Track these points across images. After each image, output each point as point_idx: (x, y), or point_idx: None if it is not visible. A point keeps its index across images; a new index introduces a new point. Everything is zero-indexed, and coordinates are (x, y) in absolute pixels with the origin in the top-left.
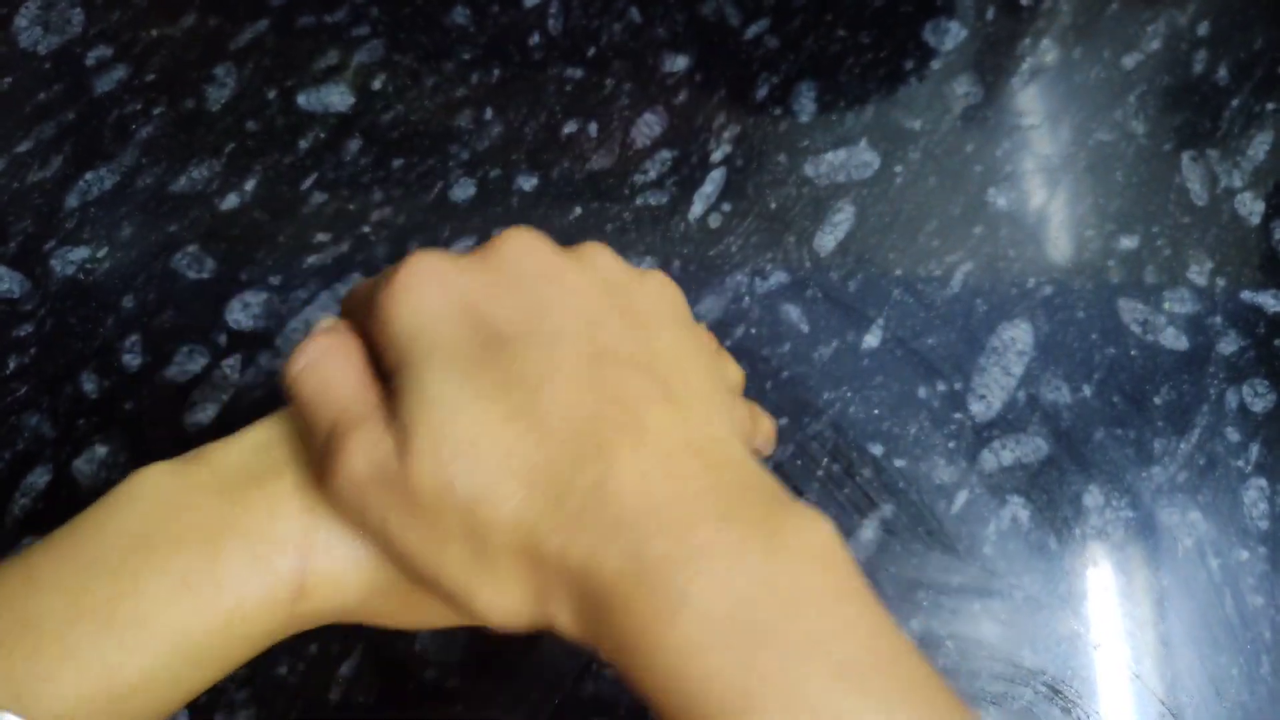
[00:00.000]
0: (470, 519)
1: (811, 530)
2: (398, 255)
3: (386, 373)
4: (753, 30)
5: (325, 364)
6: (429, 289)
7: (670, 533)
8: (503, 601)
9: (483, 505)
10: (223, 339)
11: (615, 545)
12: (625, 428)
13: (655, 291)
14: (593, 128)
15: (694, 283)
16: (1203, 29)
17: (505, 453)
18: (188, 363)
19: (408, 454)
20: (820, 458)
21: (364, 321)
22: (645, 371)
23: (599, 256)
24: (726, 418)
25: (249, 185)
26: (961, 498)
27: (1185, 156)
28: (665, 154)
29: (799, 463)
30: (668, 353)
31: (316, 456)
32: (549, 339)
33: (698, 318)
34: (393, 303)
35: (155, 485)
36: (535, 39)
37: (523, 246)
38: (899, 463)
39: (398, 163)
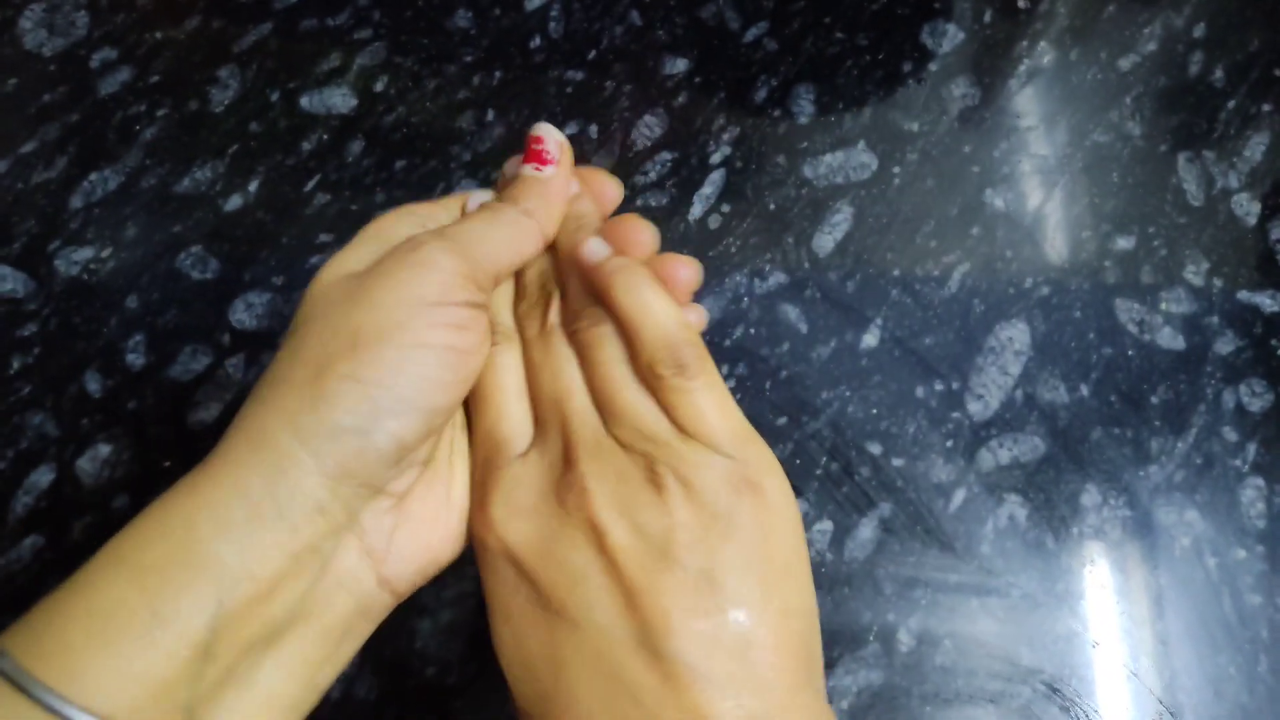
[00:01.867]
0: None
1: None
2: None
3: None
4: (752, 33)
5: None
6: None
7: None
8: None
9: None
10: (226, 339)
11: None
12: None
13: None
14: (593, 129)
15: None
16: (1199, 31)
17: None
18: (191, 362)
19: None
20: (819, 457)
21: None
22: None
23: None
24: None
25: (252, 186)
26: (959, 496)
27: (1181, 157)
28: (665, 155)
29: (798, 461)
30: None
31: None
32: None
33: None
34: None
35: None
36: (536, 42)
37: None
38: (897, 461)
39: (400, 164)
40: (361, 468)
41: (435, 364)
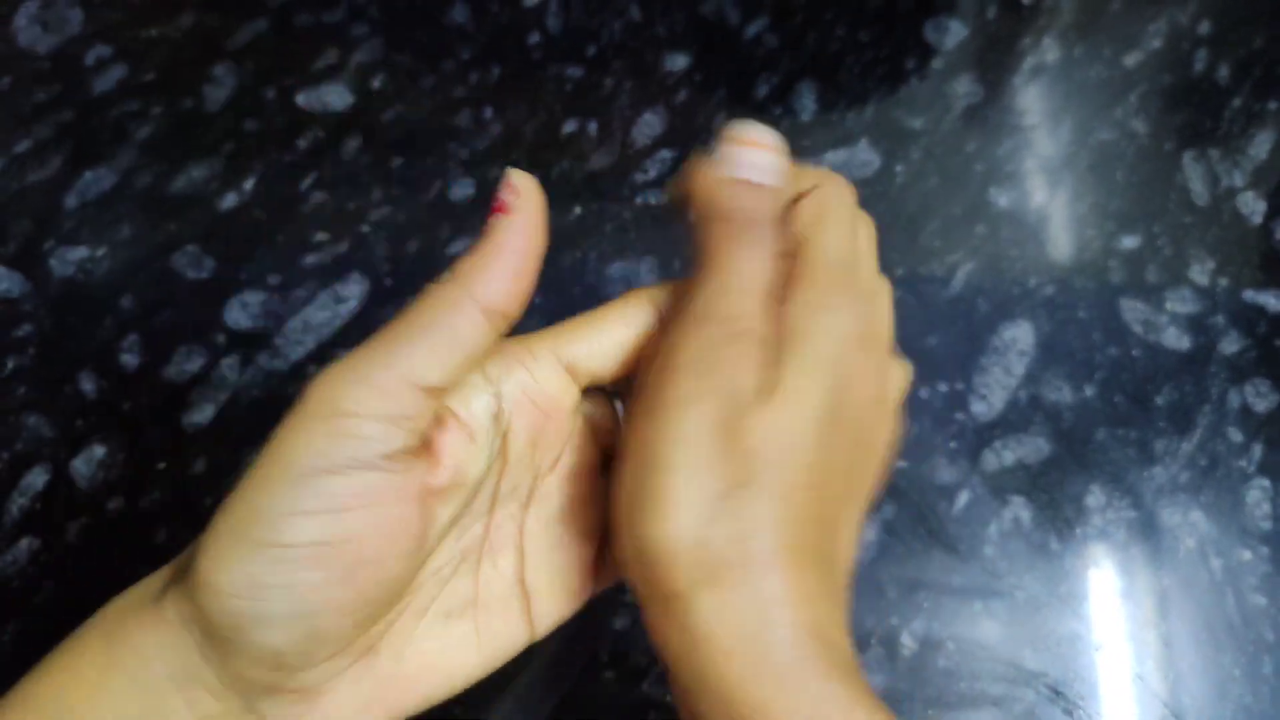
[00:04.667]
0: (743, 467)
1: None
2: (397, 254)
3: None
4: (753, 29)
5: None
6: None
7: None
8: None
9: (752, 469)
10: (221, 339)
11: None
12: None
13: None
14: (592, 127)
15: None
16: (1204, 28)
17: (808, 465)
18: (186, 362)
19: (769, 403)
20: None
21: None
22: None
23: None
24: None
25: (248, 185)
26: (963, 498)
27: (1186, 156)
28: (665, 153)
29: None
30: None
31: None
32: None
33: None
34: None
35: None
36: (535, 38)
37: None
38: (900, 463)
39: (397, 162)
40: (242, 669)
41: (306, 568)
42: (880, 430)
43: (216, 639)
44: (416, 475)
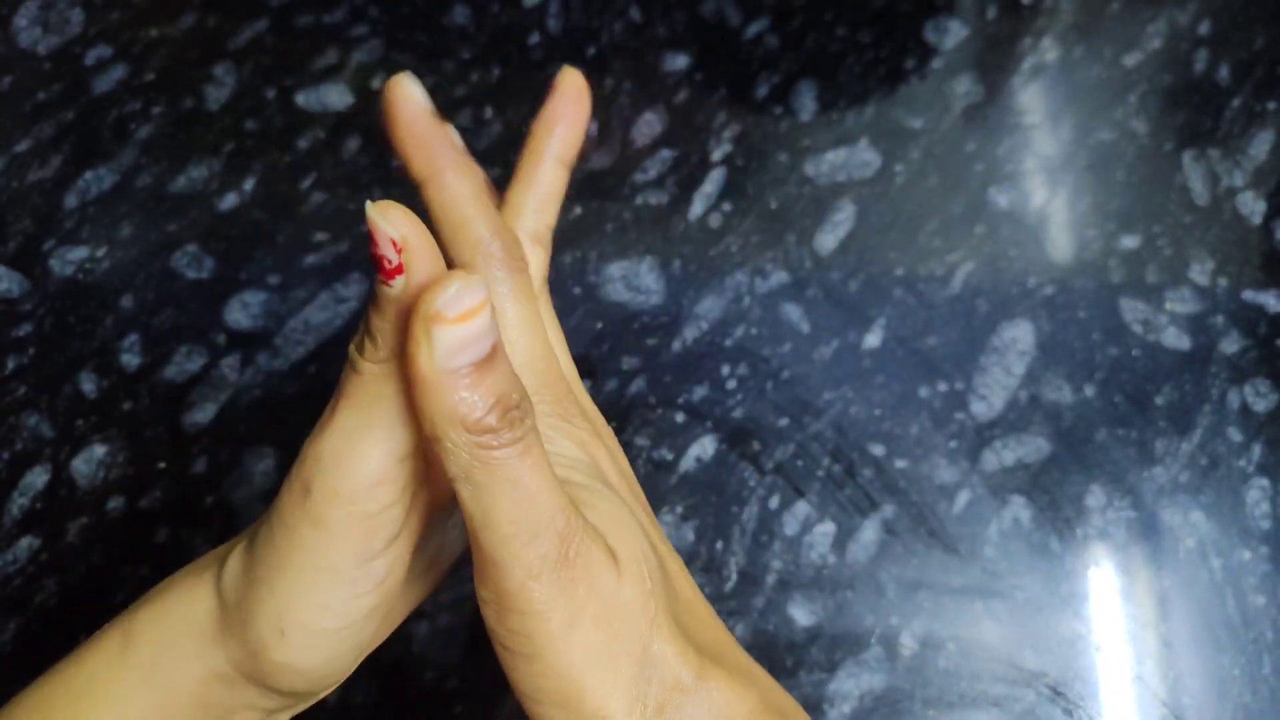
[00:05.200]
0: (645, 647)
1: None
2: None
3: None
4: (753, 29)
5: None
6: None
7: (763, 686)
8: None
9: (659, 640)
10: (221, 339)
11: None
12: (702, 598)
13: None
14: (593, 127)
15: (694, 282)
16: (1204, 28)
17: (668, 600)
18: (186, 362)
19: (622, 574)
20: (821, 458)
21: None
22: None
23: None
24: None
25: (248, 185)
26: (963, 498)
27: (1186, 155)
28: (665, 153)
29: (800, 463)
30: None
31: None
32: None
33: (698, 318)
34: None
35: None
36: (535, 38)
37: None
38: (900, 463)
39: (397, 162)
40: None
41: (366, 627)
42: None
43: (265, 689)
44: (424, 501)
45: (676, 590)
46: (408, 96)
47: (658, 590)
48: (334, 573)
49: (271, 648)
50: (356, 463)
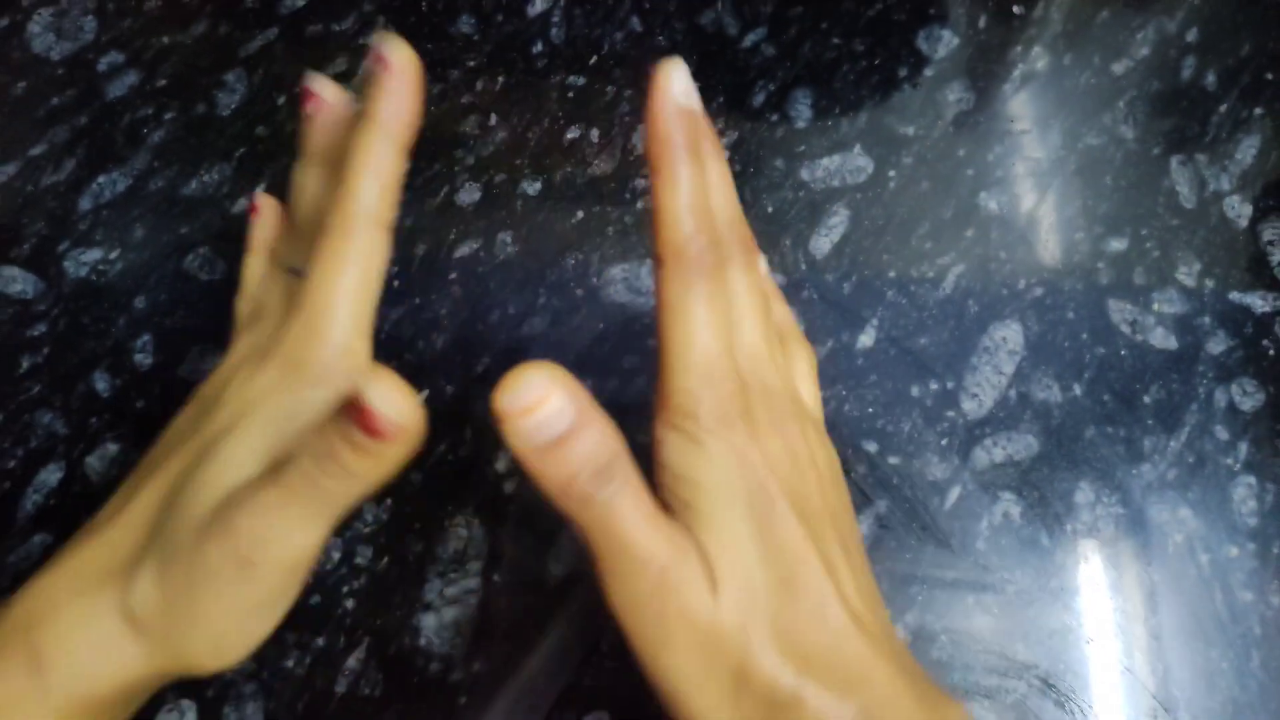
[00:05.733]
0: (742, 664)
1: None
2: (405, 258)
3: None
4: (750, 39)
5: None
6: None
7: (872, 696)
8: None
9: (754, 657)
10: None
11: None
12: (832, 600)
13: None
14: (594, 133)
15: None
16: (1191, 35)
17: (774, 613)
18: (199, 362)
19: (720, 597)
20: None
21: None
22: (840, 545)
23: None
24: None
25: (259, 189)
26: (954, 494)
27: (1174, 160)
28: None
29: None
30: (843, 511)
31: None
32: (799, 517)
33: None
34: (699, 457)
35: None
36: (539, 47)
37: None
38: (893, 460)
39: (404, 167)
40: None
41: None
42: (813, 472)
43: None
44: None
45: (797, 595)
46: (666, 87)
47: (761, 605)
48: (265, 606)
49: (206, 661)
50: (301, 541)
